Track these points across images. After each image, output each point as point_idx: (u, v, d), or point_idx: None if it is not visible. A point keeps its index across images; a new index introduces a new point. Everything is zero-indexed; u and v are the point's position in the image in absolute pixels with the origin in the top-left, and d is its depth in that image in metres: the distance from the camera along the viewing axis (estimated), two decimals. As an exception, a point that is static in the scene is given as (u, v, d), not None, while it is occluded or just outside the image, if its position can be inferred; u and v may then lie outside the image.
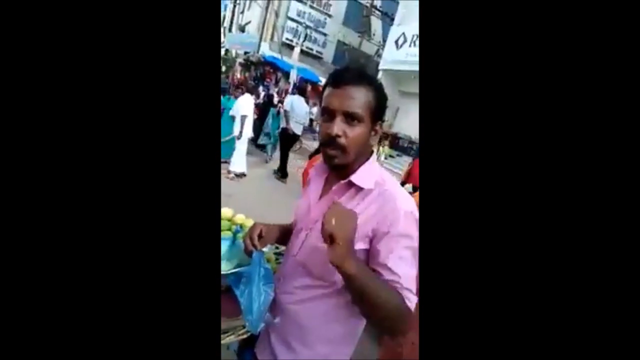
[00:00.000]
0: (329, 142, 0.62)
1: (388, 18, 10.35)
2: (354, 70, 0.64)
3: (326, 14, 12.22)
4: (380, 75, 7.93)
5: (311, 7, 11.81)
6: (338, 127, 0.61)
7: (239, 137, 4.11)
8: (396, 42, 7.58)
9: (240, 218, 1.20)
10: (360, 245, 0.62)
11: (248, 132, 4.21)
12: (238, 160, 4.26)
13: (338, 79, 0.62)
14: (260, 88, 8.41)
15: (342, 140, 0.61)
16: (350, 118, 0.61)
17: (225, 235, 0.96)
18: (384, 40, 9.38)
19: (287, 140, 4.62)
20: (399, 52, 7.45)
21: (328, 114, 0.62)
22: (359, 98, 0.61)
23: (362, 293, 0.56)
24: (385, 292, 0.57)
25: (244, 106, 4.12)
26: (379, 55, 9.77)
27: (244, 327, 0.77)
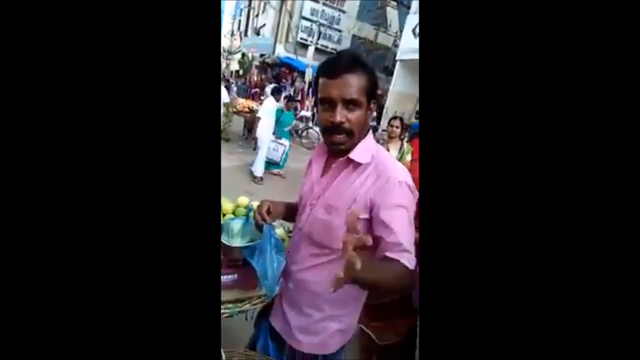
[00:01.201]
0: (333, 130, 0.66)
1: (404, 7, 10.12)
2: (345, 57, 0.67)
3: (340, 10, 12.17)
4: (397, 65, 7.78)
5: (324, 4, 11.81)
6: (340, 114, 0.65)
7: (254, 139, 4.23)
8: (413, 30, 7.40)
9: (255, 204, 1.27)
10: (363, 214, 0.66)
11: (263, 135, 4.13)
12: (258, 164, 4.20)
13: (332, 69, 0.65)
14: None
15: (346, 126, 0.65)
16: (350, 104, 0.65)
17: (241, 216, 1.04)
18: (401, 30, 9.18)
19: None
20: (417, 40, 7.27)
21: (328, 104, 0.66)
22: (355, 84, 0.64)
23: (363, 284, 0.62)
24: (381, 269, 0.63)
25: (265, 108, 4.15)
26: (396, 46, 9.58)
27: (259, 297, 0.83)
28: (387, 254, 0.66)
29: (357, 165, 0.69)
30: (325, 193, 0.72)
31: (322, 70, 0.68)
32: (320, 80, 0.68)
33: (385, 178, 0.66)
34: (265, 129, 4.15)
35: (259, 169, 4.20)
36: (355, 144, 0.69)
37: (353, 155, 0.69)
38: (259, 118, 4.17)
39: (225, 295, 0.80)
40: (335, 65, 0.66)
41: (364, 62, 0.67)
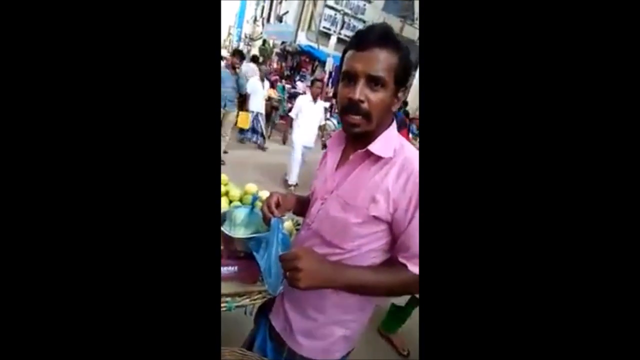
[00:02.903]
0: (349, 108, 0.59)
1: None
2: (378, 30, 0.59)
3: (366, -1, 11.82)
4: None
5: (350, -7, 11.49)
6: (360, 91, 0.57)
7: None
8: (440, 24, 7.11)
9: (264, 194, 1.22)
10: (383, 215, 0.60)
11: (298, 137, 3.46)
12: (293, 169, 3.51)
13: (362, 41, 0.58)
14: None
15: (365, 106, 0.58)
16: (374, 82, 0.57)
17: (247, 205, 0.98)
18: (427, 24, 8.82)
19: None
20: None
21: (349, 78, 0.59)
22: (383, 61, 0.57)
23: (363, 292, 0.63)
24: (385, 275, 0.62)
25: (298, 106, 3.50)
26: (421, 40, 9.21)
27: (259, 292, 0.78)
28: (400, 257, 0.62)
29: (377, 159, 0.62)
30: (339, 188, 0.65)
31: (351, 42, 0.61)
32: (347, 53, 0.61)
33: (408, 177, 0.58)
34: (301, 132, 3.42)
35: (293, 176, 3.60)
36: (374, 132, 0.62)
37: (373, 147, 0.61)
38: (291, 119, 3.56)
39: (223, 288, 0.75)
40: (365, 36, 0.58)
41: (399, 40, 0.59)
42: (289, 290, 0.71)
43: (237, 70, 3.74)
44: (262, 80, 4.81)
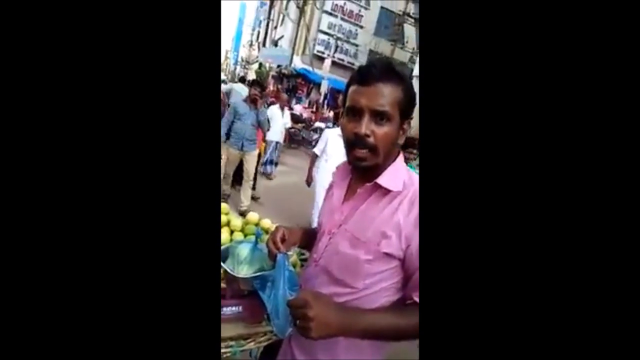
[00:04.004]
0: (356, 142, 0.59)
1: (421, 24, 10.16)
2: (382, 65, 0.60)
3: (357, 25, 12.32)
4: (413, 82, 7.75)
5: (342, 19, 11.99)
6: (366, 126, 0.57)
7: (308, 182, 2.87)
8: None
9: (266, 222, 1.19)
10: (395, 251, 0.58)
11: (323, 176, 2.57)
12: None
13: (365, 76, 0.59)
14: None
15: (371, 140, 0.58)
16: (379, 117, 0.58)
17: (251, 239, 0.95)
18: (418, 47, 9.20)
19: None
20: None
21: (354, 113, 0.59)
22: (387, 95, 0.57)
23: (380, 338, 0.59)
24: (400, 317, 0.58)
25: (323, 140, 2.71)
26: (413, 62, 9.59)
27: (265, 334, 0.74)
28: (414, 296, 0.59)
29: (385, 192, 0.61)
30: (347, 221, 0.64)
31: (355, 76, 0.61)
32: (351, 88, 0.61)
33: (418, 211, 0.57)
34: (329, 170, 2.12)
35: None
36: (382, 166, 0.61)
37: (381, 180, 0.60)
38: (315, 155, 2.76)
39: (227, 331, 0.71)
40: (369, 72, 0.59)
41: (402, 73, 0.60)
42: (297, 333, 0.68)
43: (259, 104, 2.98)
44: (282, 108, 4.47)
